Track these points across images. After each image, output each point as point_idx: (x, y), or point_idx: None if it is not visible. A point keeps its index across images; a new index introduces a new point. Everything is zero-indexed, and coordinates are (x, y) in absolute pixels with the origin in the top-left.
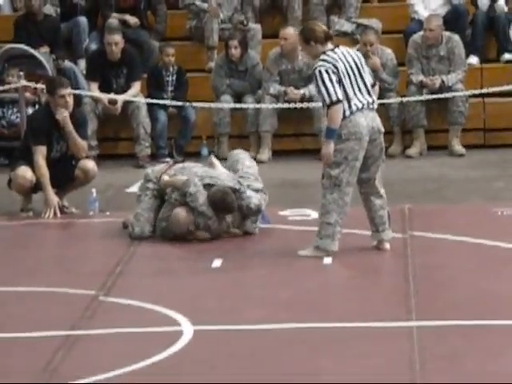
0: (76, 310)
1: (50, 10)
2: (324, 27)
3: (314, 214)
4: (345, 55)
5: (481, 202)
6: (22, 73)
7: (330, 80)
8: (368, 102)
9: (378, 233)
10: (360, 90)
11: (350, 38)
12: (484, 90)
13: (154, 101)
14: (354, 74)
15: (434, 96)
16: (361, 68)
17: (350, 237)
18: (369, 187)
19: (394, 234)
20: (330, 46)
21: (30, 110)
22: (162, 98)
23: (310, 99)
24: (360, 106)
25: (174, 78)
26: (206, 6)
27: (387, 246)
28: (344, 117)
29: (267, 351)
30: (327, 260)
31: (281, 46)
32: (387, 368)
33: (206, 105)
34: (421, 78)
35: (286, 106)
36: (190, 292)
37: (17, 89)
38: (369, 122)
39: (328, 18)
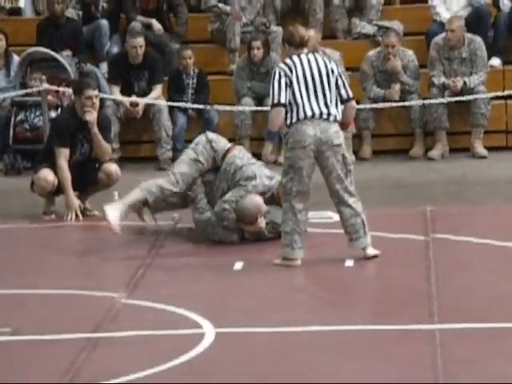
0: (98, 313)
1: (72, 13)
2: (304, 32)
3: (336, 217)
4: (310, 61)
5: (503, 204)
6: (44, 76)
7: (279, 82)
8: (322, 113)
9: (352, 241)
10: (317, 98)
11: (371, 40)
12: (506, 92)
13: (176, 104)
14: (313, 82)
15: (456, 98)
16: (325, 78)
17: (373, 239)
18: (334, 197)
19: (369, 240)
20: (303, 51)
21: (53, 114)
22: (182, 101)
23: None
24: (310, 114)
25: (195, 81)
26: (228, 8)
27: (369, 252)
28: (291, 122)
29: (289, 353)
30: (349, 262)
31: None
32: (409, 371)
33: (228, 108)
34: (443, 79)
35: None
36: (212, 294)
37: (39, 92)
38: (317, 132)
39: (349, 21)
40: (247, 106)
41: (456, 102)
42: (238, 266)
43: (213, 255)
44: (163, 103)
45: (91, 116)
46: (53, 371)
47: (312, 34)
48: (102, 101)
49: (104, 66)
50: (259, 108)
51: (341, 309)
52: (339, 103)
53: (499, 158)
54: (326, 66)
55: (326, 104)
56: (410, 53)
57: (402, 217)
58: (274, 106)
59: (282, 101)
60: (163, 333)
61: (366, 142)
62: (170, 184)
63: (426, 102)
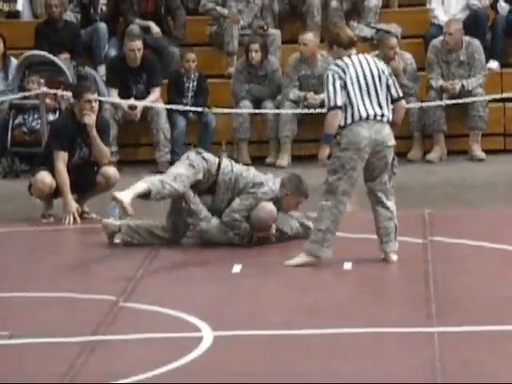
0: (96, 316)
1: (70, 16)
2: (350, 33)
3: None
4: (361, 63)
5: (501, 207)
6: (42, 79)
7: (333, 85)
8: (376, 114)
9: (382, 244)
10: (370, 99)
11: (369, 43)
12: (504, 95)
13: (174, 106)
14: (366, 83)
15: (454, 101)
16: (377, 79)
17: (370, 242)
18: (374, 197)
19: (397, 246)
20: (352, 51)
21: (51, 117)
22: (182, 104)
23: None
24: (365, 115)
25: (195, 84)
26: (226, 11)
27: (393, 257)
28: (345, 124)
29: (287, 357)
30: (347, 265)
31: (300, 52)
32: (408, 373)
33: (226, 110)
34: (441, 82)
35: (305, 111)
36: (210, 297)
37: (37, 95)
38: (372, 133)
39: (347, 23)
40: (245, 108)
41: (454, 104)
42: (237, 268)
43: (211, 258)
44: (161, 106)
45: (90, 119)
46: (51, 374)
47: (311, 36)
48: (100, 104)
49: (102, 69)
50: (257, 111)
51: (339, 312)
52: (390, 103)
53: (497, 160)
54: (377, 67)
55: (379, 105)
56: (409, 56)
57: (401, 219)
58: (330, 108)
59: (339, 103)
60: (161, 336)
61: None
62: (170, 180)
63: (425, 104)
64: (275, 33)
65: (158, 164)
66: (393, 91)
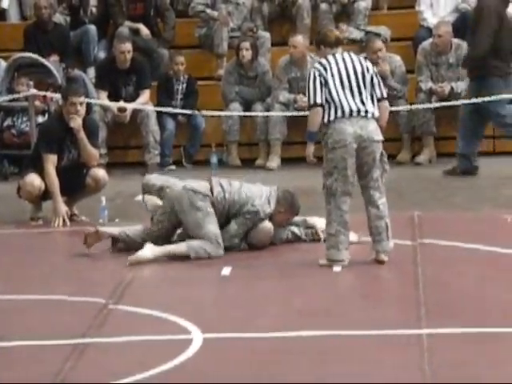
0: (86, 319)
1: (59, 18)
2: (337, 33)
3: (322, 222)
4: (345, 60)
5: (490, 210)
6: (31, 81)
7: (314, 83)
8: (359, 110)
9: (373, 243)
10: (353, 96)
11: (358, 46)
12: (493, 98)
13: (163, 109)
14: (348, 80)
15: (444, 103)
16: (360, 76)
17: (359, 245)
18: (366, 195)
19: (391, 246)
20: (337, 50)
21: (40, 119)
22: (171, 107)
23: None
24: (348, 111)
25: (184, 86)
26: (215, 14)
27: (383, 257)
28: (329, 121)
29: (277, 359)
30: (337, 268)
31: (290, 54)
32: (397, 375)
33: (216, 113)
34: (430, 85)
35: (295, 113)
36: (200, 300)
37: (27, 97)
38: (356, 129)
39: (337, 26)
40: (235, 111)
41: (443, 107)
42: (226, 271)
43: (201, 261)
44: (151, 108)
45: (75, 122)
46: (40, 376)
47: (301, 39)
48: (89, 106)
49: (92, 71)
50: (247, 113)
51: (328, 314)
52: (375, 101)
53: (486, 163)
54: (361, 64)
55: (362, 101)
56: (398, 58)
57: (390, 221)
58: (311, 106)
59: (318, 101)
60: (151, 338)
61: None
62: (216, 248)
63: (414, 107)
64: (265, 35)
65: (148, 166)
66: (377, 90)
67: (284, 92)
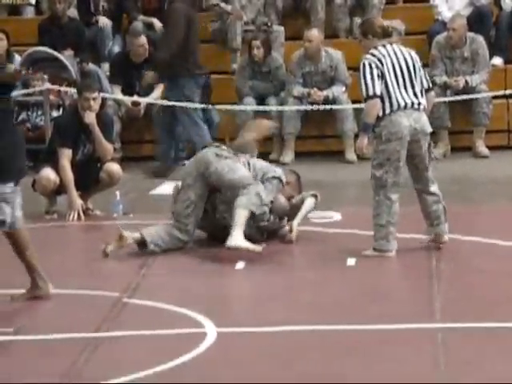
0: (100, 312)
1: (74, 13)
2: (384, 23)
3: (337, 216)
4: (396, 52)
5: (505, 204)
6: (46, 76)
7: (371, 74)
8: (413, 102)
9: (432, 227)
10: (406, 89)
11: None
12: (508, 91)
13: (177, 103)
14: (401, 73)
15: (458, 97)
16: (411, 68)
17: (373, 239)
18: (419, 185)
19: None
20: (385, 42)
21: (55, 113)
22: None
23: (334, 101)
24: (403, 104)
25: None
26: (229, 8)
27: (446, 238)
28: (384, 114)
29: (291, 353)
30: (351, 262)
31: (305, 48)
32: (411, 370)
33: (229, 107)
34: (444, 79)
35: (309, 107)
36: (214, 294)
37: (41, 92)
38: (411, 122)
39: (351, 20)
40: (249, 105)
41: (458, 101)
42: (240, 265)
43: (215, 255)
44: (165, 103)
45: (89, 118)
46: (54, 371)
47: (316, 33)
48: (103, 100)
49: (106, 66)
50: (261, 107)
51: (342, 308)
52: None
53: (501, 157)
54: (411, 56)
55: (415, 94)
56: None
57: (404, 216)
58: (368, 98)
59: (378, 92)
60: (165, 332)
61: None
62: (258, 186)
63: None
64: (279, 29)
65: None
66: (424, 81)
67: (298, 86)
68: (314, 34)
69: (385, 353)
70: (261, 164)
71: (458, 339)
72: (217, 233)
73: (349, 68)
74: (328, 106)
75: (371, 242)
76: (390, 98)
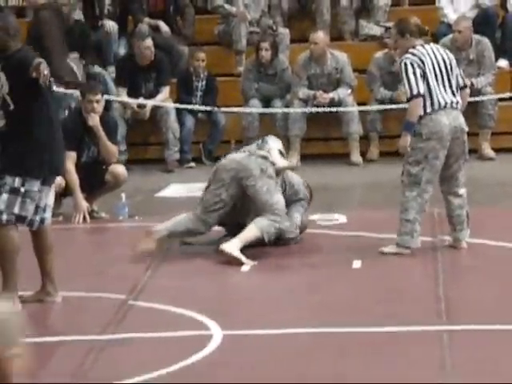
0: (106, 315)
1: (79, 15)
2: (418, 21)
3: (343, 219)
4: (434, 52)
5: (511, 206)
6: (51, 78)
7: (414, 73)
8: (452, 101)
9: (454, 232)
10: (445, 88)
11: (378, 42)
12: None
13: (183, 106)
14: (440, 72)
15: None
16: (449, 67)
17: (379, 241)
18: (448, 186)
19: (468, 235)
20: (422, 41)
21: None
22: (191, 103)
23: (339, 103)
24: (443, 103)
25: (204, 83)
26: (234, 9)
27: (464, 244)
28: (425, 113)
29: (296, 355)
30: (356, 264)
31: (310, 50)
32: (417, 372)
33: (235, 110)
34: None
35: (314, 110)
36: (220, 296)
37: None
38: (451, 121)
39: (357, 22)
40: (254, 107)
41: None
42: (246, 267)
43: (220, 257)
44: (171, 105)
45: (92, 120)
46: (61, 373)
47: (322, 35)
48: (109, 103)
49: (112, 69)
50: (267, 110)
51: (348, 310)
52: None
53: (507, 159)
54: (448, 56)
55: (453, 93)
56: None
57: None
58: (413, 97)
59: (421, 91)
60: (170, 335)
61: (374, 143)
62: (285, 220)
63: None
64: (284, 32)
65: (167, 163)
66: (460, 80)
67: (303, 88)
68: (320, 36)
69: (391, 354)
70: (293, 182)
71: (465, 341)
72: (235, 230)
73: (354, 70)
74: (333, 109)
75: (378, 244)
76: (431, 97)
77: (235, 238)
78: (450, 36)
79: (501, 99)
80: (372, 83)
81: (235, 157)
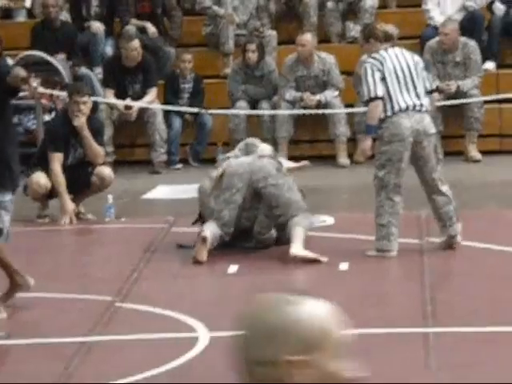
0: (92, 316)
1: (66, 16)
2: (386, 27)
3: (330, 220)
4: (397, 55)
5: (497, 208)
6: (38, 80)
7: (372, 76)
8: (415, 104)
9: (445, 228)
10: (408, 91)
11: None
12: (500, 96)
13: (170, 107)
14: (403, 75)
15: (450, 102)
16: (413, 71)
17: (366, 243)
18: (428, 187)
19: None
20: (387, 45)
21: (47, 117)
22: (178, 105)
23: (326, 105)
24: (404, 106)
25: (191, 85)
26: (221, 11)
27: (458, 238)
28: (386, 116)
29: None
30: (343, 266)
31: (298, 52)
32: (403, 374)
33: (222, 111)
34: (437, 83)
35: (302, 111)
36: (207, 298)
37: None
38: (413, 123)
39: (344, 24)
40: (241, 109)
41: (450, 105)
42: (233, 268)
43: (207, 259)
44: (158, 107)
45: (78, 121)
46: (46, 374)
47: (309, 37)
48: (95, 104)
49: (99, 70)
50: (253, 112)
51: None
52: (426, 94)
53: (493, 161)
54: (413, 59)
55: (416, 95)
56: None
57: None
58: (371, 99)
59: (380, 94)
60: (157, 336)
61: (361, 145)
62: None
63: None
64: (271, 34)
65: (154, 164)
66: (427, 83)
67: (291, 90)
68: (307, 38)
69: (376, 356)
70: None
71: (450, 343)
72: (235, 232)
73: (341, 72)
74: (321, 111)
75: (365, 246)
76: (391, 100)
77: (296, 242)
78: (437, 38)
79: (487, 102)
80: (359, 85)
81: (242, 161)
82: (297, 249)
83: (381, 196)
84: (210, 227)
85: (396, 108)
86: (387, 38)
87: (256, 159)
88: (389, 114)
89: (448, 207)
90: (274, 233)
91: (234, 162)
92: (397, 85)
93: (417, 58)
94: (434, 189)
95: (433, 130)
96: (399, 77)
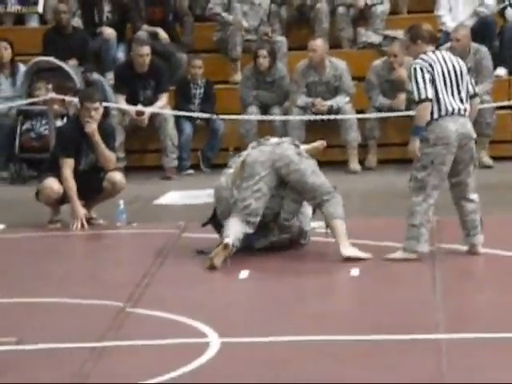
0: (103, 322)
1: (78, 22)
2: (430, 28)
3: None
4: (445, 58)
5: (509, 214)
6: (50, 85)
7: (423, 78)
8: (459, 108)
9: (468, 237)
10: (453, 95)
11: (377, 50)
12: None
13: (181, 113)
14: (449, 79)
15: None
16: (459, 75)
17: (378, 249)
18: (459, 192)
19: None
20: (433, 47)
21: (59, 123)
22: (189, 111)
23: (338, 111)
24: (450, 110)
25: (202, 91)
26: (230, 18)
27: (479, 249)
28: (432, 119)
29: (295, 363)
30: (355, 272)
31: (309, 58)
32: (415, 380)
33: (233, 117)
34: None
35: (313, 117)
36: (218, 303)
37: (45, 101)
38: (458, 127)
39: (355, 30)
40: (253, 115)
41: None
42: (244, 274)
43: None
44: (169, 112)
45: (89, 127)
46: (58, 380)
47: (320, 43)
48: (107, 110)
49: (110, 76)
50: (265, 117)
51: (346, 318)
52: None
53: (505, 167)
54: (459, 63)
55: (461, 100)
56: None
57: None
58: (420, 101)
59: (430, 95)
60: (168, 342)
61: (372, 151)
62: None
63: None
64: (281, 40)
65: (166, 170)
66: (470, 87)
67: (302, 96)
68: (319, 43)
69: (388, 363)
70: None
71: (462, 350)
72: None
73: (353, 78)
74: (332, 116)
75: (376, 251)
76: (438, 103)
77: (342, 241)
78: (448, 44)
79: (499, 107)
80: (370, 91)
81: (263, 149)
82: (347, 249)
83: (418, 197)
84: (232, 230)
85: (443, 111)
86: (433, 40)
87: (275, 147)
88: (435, 116)
89: (474, 215)
90: (297, 222)
91: (254, 151)
92: (444, 88)
93: (461, 61)
94: (464, 194)
95: (475, 135)
96: (446, 80)
